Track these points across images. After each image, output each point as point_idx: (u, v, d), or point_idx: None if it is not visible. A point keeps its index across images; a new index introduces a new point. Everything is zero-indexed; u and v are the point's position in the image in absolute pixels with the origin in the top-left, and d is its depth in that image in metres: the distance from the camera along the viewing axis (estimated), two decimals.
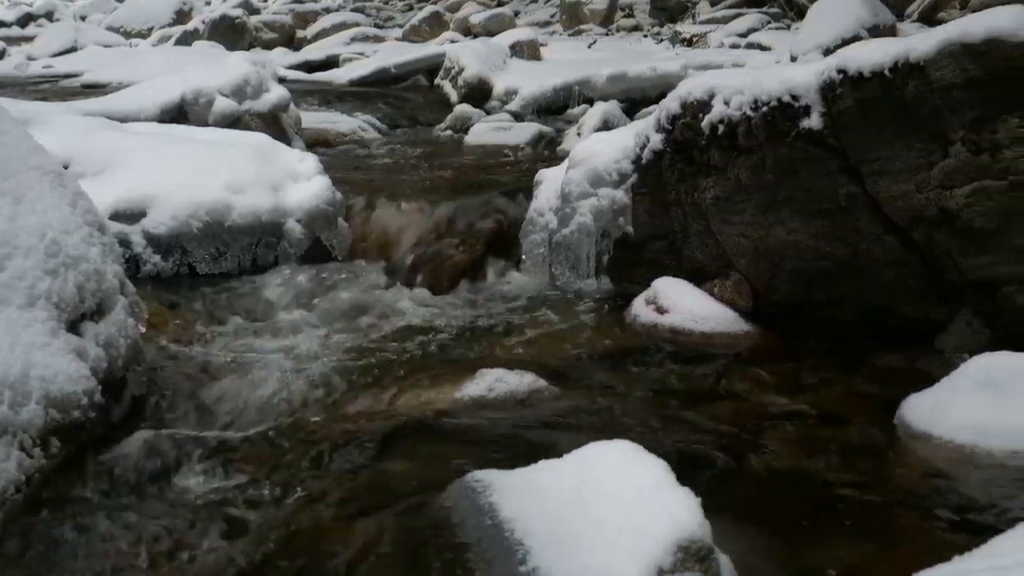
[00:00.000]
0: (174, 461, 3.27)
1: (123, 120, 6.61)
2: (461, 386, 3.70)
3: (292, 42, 17.83)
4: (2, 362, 2.95)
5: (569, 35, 16.44)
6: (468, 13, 17.28)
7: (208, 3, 21.69)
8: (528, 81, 10.34)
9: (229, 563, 2.72)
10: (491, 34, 14.34)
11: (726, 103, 4.45)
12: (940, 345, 4.05)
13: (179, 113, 7.24)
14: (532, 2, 20.25)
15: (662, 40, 13.96)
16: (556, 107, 10.03)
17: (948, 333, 4.04)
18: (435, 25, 16.64)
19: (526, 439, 3.39)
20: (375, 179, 6.77)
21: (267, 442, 3.41)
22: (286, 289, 5.07)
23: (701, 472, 3.09)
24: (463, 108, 9.52)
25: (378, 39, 16.41)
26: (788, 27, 13.08)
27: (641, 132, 4.99)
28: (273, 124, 7.36)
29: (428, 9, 17.81)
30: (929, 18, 10.91)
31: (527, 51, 12.49)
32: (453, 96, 10.43)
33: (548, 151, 7.75)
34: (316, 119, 8.80)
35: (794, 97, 4.20)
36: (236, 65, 7.55)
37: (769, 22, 13.77)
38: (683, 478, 2.51)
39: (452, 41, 13.99)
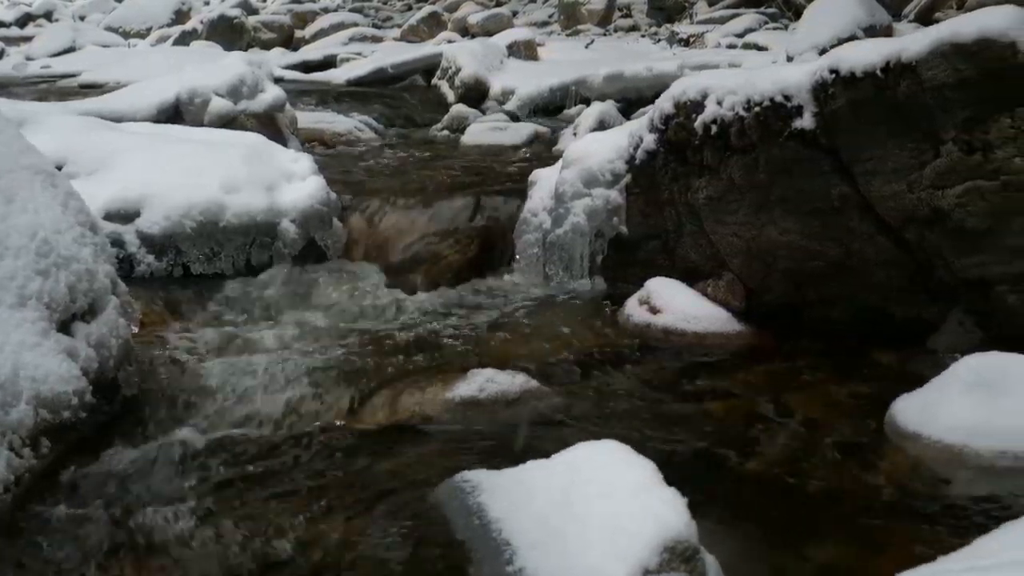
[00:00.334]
0: (165, 461, 3.27)
1: (118, 120, 6.61)
2: (452, 386, 3.70)
3: (291, 42, 17.82)
4: None
5: (567, 35, 16.43)
6: (466, 13, 17.26)
7: (207, 3, 21.69)
8: (525, 81, 10.32)
9: (219, 563, 2.73)
10: (489, 34, 14.33)
11: (719, 103, 4.45)
12: (932, 345, 4.05)
13: (175, 113, 7.23)
14: (530, 2, 20.23)
15: (659, 40, 13.96)
16: (553, 107, 10.01)
17: (940, 333, 4.04)
18: (433, 25, 16.62)
19: (516, 439, 3.39)
20: (370, 179, 6.76)
21: (258, 443, 3.42)
22: (280, 289, 5.06)
23: (690, 472, 3.09)
24: (459, 108, 9.51)
25: (376, 39, 16.41)
26: (785, 27, 13.07)
27: (635, 132, 4.99)
28: (269, 124, 7.35)
29: (426, 9, 17.79)
30: (926, 18, 10.91)
31: (524, 51, 12.48)
32: (450, 96, 10.42)
33: (544, 151, 7.74)
34: (312, 119, 8.79)
35: (787, 97, 4.20)
36: (232, 65, 7.55)
37: (766, 22, 13.76)
38: (672, 478, 2.52)
39: (449, 41, 13.98)
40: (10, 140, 3.70)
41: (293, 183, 5.67)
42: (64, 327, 3.36)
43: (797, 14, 12.56)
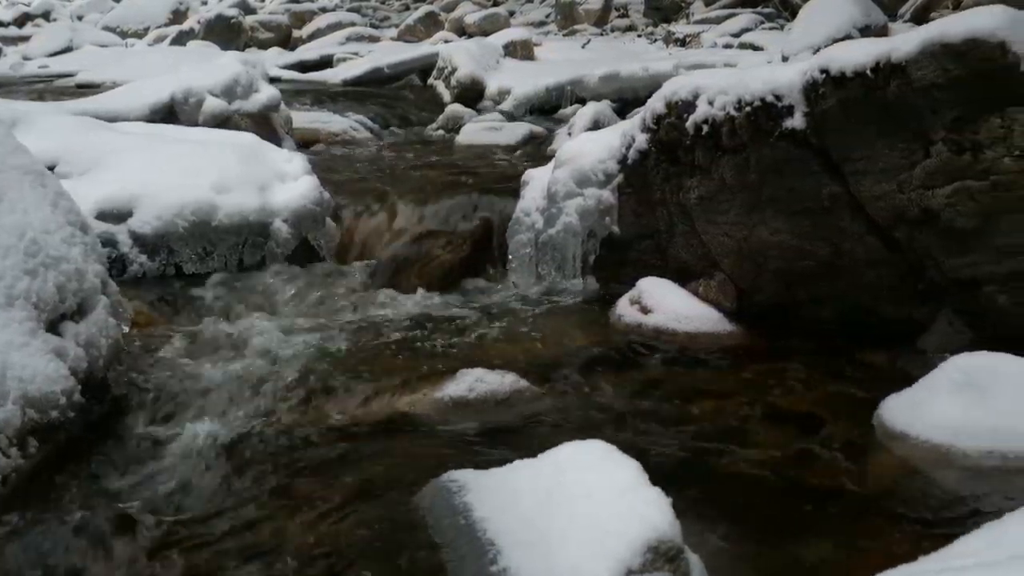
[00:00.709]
0: (154, 461, 3.28)
1: (112, 120, 6.61)
2: (441, 386, 3.71)
3: (288, 42, 17.83)
4: None
5: (564, 35, 16.44)
6: (463, 13, 17.27)
7: (204, 3, 21.70)
8: (521, 81, 10.34)
9: (207, 562, 2.73)
10: (486, 34, 14.34)
11: (710, 103, 4.45)
12: (922, 345, 4.05)
13: (169, 113, 7.24)
14: (527, 2, 20.25)
15: (655, 40, 13.96)
16: (549, 107, 10.03)
17: (930, 333, 4.04)
18: (430, 25, 16.63)
19: (505, 439, 3.39)
20: (364, 179, 6.77)
21: (248, 442, 3.42)
22: (272, 289, 5.07)
23: (677, 472, 3.09)
24: (455, 108, 9.52)
25: (373, 39, 16.42)
26: (781, 27, 13.08)
27: (627, 132, 4.99)
28: (263, 124, 7.36)
29: (423, 9, 17.81)
30: (921, 18, 10.91)
31: (521, 51, 12.50)
32: (446, 96, 10.43)
33: (539, 151, 7.75)
34: (308, 119, 8.79)
35: (777, 97, 4.20)
36: (226, 65, 7.56)
37: (762, 22, 13.77)
38: (658, 478, 2.52)
39: (446, 41, 13.99)
40: (0, 140, 3.70)
41: (286, 183, 5.68)
42: (53, 327, 3.35)
43: (794, 14, 12.55)
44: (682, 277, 4.72)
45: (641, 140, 4.84)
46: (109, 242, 4.99)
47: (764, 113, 4.24)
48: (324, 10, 19.80)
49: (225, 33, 16.97)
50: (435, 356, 4.20)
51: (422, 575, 2.55)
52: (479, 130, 8.55)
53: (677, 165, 4.69)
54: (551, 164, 5.35)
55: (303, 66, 13.45)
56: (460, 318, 4.71)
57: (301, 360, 4.13)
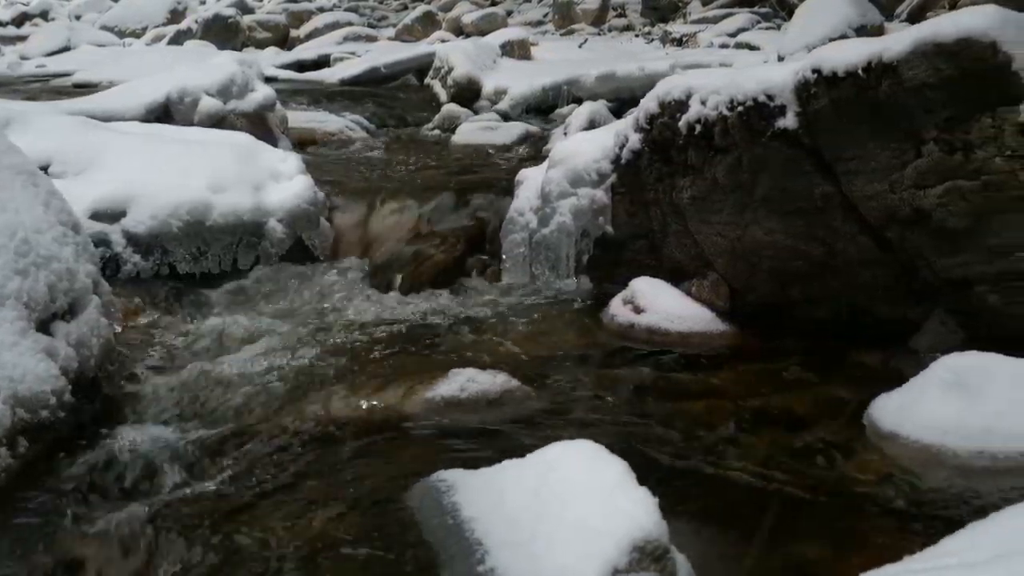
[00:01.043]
0: (144, 461, 3.27)
1: (107, 120, 6.60)
2: (433, 386, 3.71)
3: (286, 41, 17.82)
4: None
5: (561, 35, 16.44)
6: (461, 13, 17.27)
7: (203, 3, 21.69)
8: (518, 81, 10.32)
9: (195, 562, 2.73)
10: (483, 34, 14.34)
11: (703, 103, 4.45)
12: (915, 345, 4.05)
13: (164, 113, 7.22)
14: (525, 2, 20.25)
15: (652, 40, 13.96)
16: (545, 107, 10.00)
17: (922, 333, 4.04)
18: (428, 25, 16.63)
19: (496, 439, 3.39)
20: (360, 178, 6.77)
21: (238, 442, 3.42)
22: (265, 289, 5.08)
23: (666, 472, 3.10)
24: (451, 108, 9.51)
25: (370, 39, 16.41)
26: (778, 27, 13.08)
27: (620, 132, 4.99)
28: (259, 124, 7.35)
29: (421, 8, 17.80)
30: (918, 18, 10.90)
31: (518, 51, 12.49)
32: (443, 96, 10.42)
33: (534, 151, 7.75)
34: (304, 119, 8.78)
35: (769, 97, 4.20)
36: (222, 65, 7.54)
37: (759, 22, 13.77)
38: (647, 478, 2.52)
39: (443, 41, 13.98)
40: None
41: (280, 183, 5.68)
42: (43, 326, 3.36)
43: (790, 13, 12.55)
44: (676, 277, 4.72)
45: (634, 140, 4.85)
46: (103, 242, 4.99)
47: (756, 113, 4.24)
48: (322, 10, 19.78)
49: (223, 33, 16.95)
50: (427, 356, 4.21)
51: (410, 575, 2.55)
52: (475, 130, 8.55)
53: (670, 165, 4.69)
54: (545, 164, 5.35)
55: (300, 66, 13.44)
56: (453, 318, 4.71)
57: (293, 360, 4.13)
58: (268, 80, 9.14)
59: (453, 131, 8.73)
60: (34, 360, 3.19)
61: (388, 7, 21.81)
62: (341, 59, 13.32)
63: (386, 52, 12.94)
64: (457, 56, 10.65)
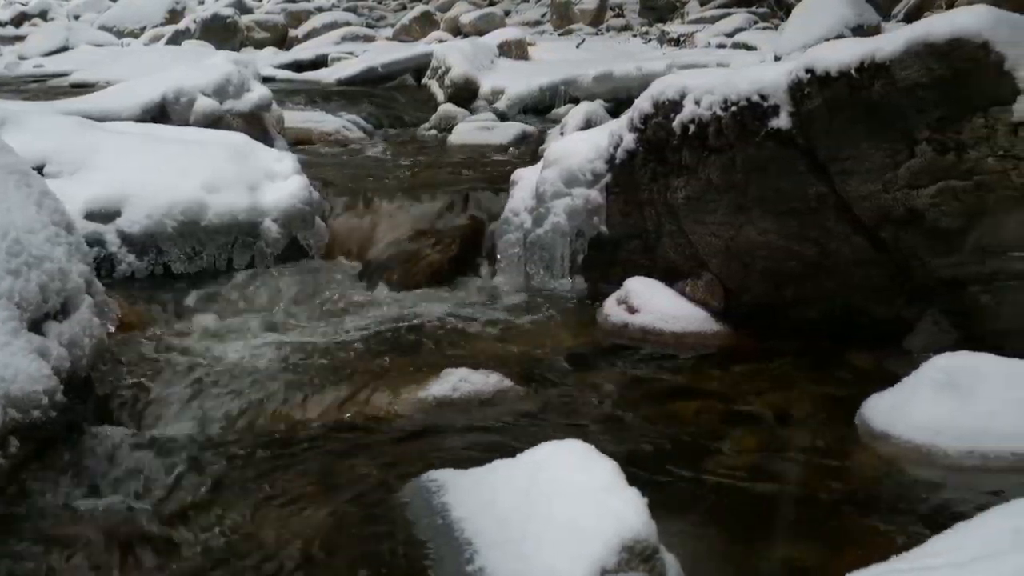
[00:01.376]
0: (136, 461, 3.27)
1: (103, 119, 6.60)
2: (425, 386, 3.71)
3: (284, 42, 17.81)
4: None
5: (559, 35, 16.44)
6: (459, 13, 17.26)
7: (201, 2, 21.68)
8: (515, 81, 10.32)
9: (185, 562, 2.73)
10: (481, 33, 14.33)
11: (697, 103, 4.46)
12: (908, 345, 4.06)
13: (160, 113, 7.22)
14: (523, 1, 20.25)
15: (650, 40, 13.96)
16: (542, 107, 10.01)
17: (915, 333, 4.05)
18: (426, 24, 16.62)
19: (488, 439, 3.40)
20: (355, 178, 6.76)
21: (231, 442, 3.42)
22: (260, 289, 5.07)
23: (657, 472, 3.10)
24: (447, 108, 9.51)
25: (368, 39, 16.39)
26: (775, 27, 13.07)
27: (615, 132, 4.99)
28: (255, 124, 7.35)
29: (419, 8, 17.79)
30: (915, 18, 10.88)
31: (515, 51, 12.49)
32: (440, 96, 10.42)
33: (531, 151, 7.74)
34: (300, 119, 8.78)
35: (763, 97, 4.20)
36: (218, 65, 7.54)
37: (756, 22, 13.78)
38: (638, 478, 2.53)
39: (440, 41, 13.97)
40: None
41: (276, 182, 5.68)
42: (35, 326, 3.34)
43: (788, 13, 12.55)
44: (670, 277, 4.72)
45: (629, 140, 4.85)
46: (98, 242, 4.99)
47: (750, 113, 4.25)
48: (320, 10, 19.76)
49: (221, 33, 16.95)
50: (421, 355, 4.21)
51: (400, 574, 2.55)
52: (472, 130, 8.55)
53: (664, 165, 4.69)
54: (540, 164, 5.35)
55: (298, 66, 13.42)
56: (447, 318, 4.71)
57: (287, 359, 4.13)
58: (266, 80, 9.15)
59: (450, 131, 8.73)
60: (26, 360, 3.18)
61: (387, 7, 21.81)
62: (339, 59, 13.31)
63: (383, 52, 12.93)
64: (454, 56, 10.65)
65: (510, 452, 2.75)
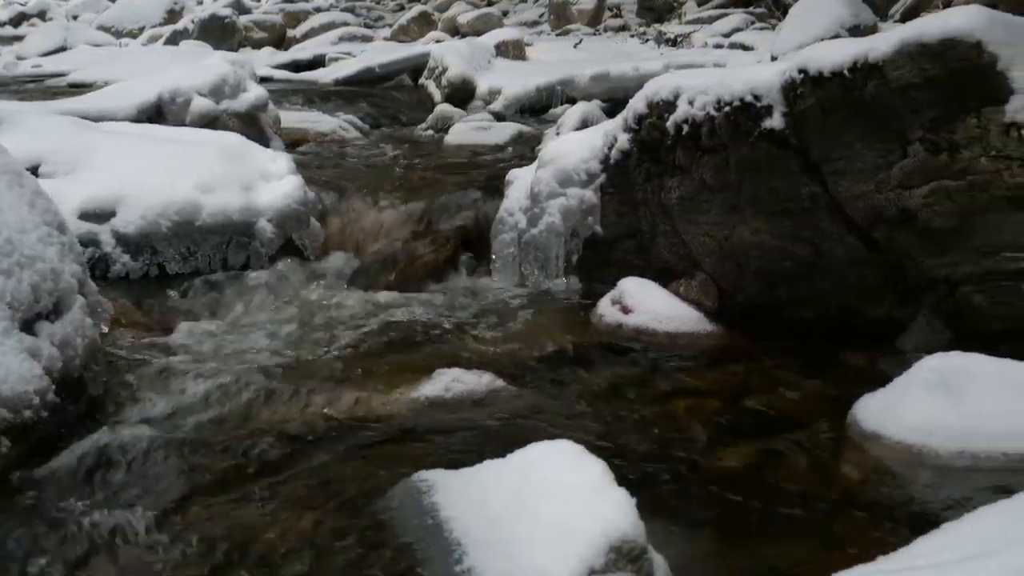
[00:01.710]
0: (127, 461, 3.26)
1: (100, 120, 6.60)
2: (418, 386, 3.71)
3: (283, 42, 17.82)
4: None
5: (557, 35, 16.44)
6: (457, 13, 17.27)
7: (200, 3, 21.68)
8: (512, 81, 10.33)
9: (177, 562, 2.72)
10: (479, 34, 14.33)
11: (690, 103, 4.46)
12: (901, 345, 4.05)
13: (157, 113, 7.22)
14: (521, 2, 20.25)
15: (647, 40, 13.97)
16: (539, 107, 10.03)
17: (909, 333, 4.05)
18: (424, 25, 16.62)
19: (480, 439, 3.39)
20: (351, 178, 6.75)
21: (222, 442, 3.41)
22: (254, 289, 5.07)
23: (648, 472, 3.09)
24: (444, 108, 9.51)
25: (366, 39, 16.40)
26: (773, 27, 13.07)
27: (609, 132, 4.99)
28: (251, 124, 7.35)
29: (417, 8, 17.79)
30: (911, 19, 10.89)
31: (512, 51, 12.49)
32: (437, 96, 10.43)
33: (527, 151, 7.73)
34: (297, 119, 8.78)
35: (756, 97, 4.20)
36: (214, 65, 7.55)
37: (753, 22, 13.78)
38: (629, 478, 2.54)
39: (438, 41, 13.97)
40: None
41: (271, 183, 5.68)
42: (27, 326, 3.35)
43: (786, 13, 12.56)
44: (664, 277, 4.72)
45: (623, 140, 4.85)
46: (92, 242, 5.00)
47: (743, 113, 4.25)
48: (319, 10, 19.77)
49: (219, 33, 16.96)
50: (414, 356, 4.20)
51: (390, 574, 2.55)
52: (468, 130, 8.54)
53: (658, 165, 4.69)
54: (534, 164, 5.35)
55: (296, 66, 13.43)
56: (442, 318, 4.70)
57: (280, 359, 4.13)
58: (263, 80, 9.17)
59: (446, 131, 8.73)
60: (17, 360, 3.18)
61: (385, 7, 21.81)
62: (336, 59, 13.32)
63: (381, 52, 12.93)
64: (451, 56, 10.66)
65: (502, 452, 2.74)
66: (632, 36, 15.09)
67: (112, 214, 5.15)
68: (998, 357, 3.28)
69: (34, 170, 5.19)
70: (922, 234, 3.88)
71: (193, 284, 5.11)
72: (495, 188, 5.77)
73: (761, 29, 13.21)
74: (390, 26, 17.98)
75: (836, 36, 8.25)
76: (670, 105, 4.58)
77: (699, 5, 16.36)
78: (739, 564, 2.58)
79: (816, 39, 8.23)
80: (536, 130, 8.65)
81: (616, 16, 17.46)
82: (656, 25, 15.47)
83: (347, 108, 9.76)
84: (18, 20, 22.89)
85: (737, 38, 12.53)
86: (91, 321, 3.72)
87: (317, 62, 13.61)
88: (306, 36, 17.41)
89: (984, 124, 3.67)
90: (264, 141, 7.05)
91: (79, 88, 10.16)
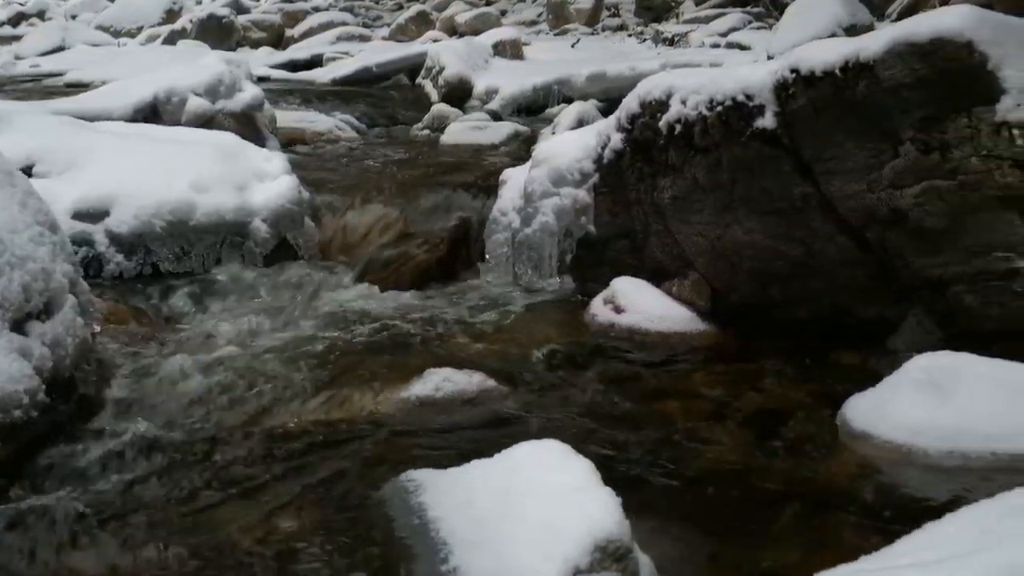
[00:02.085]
0: (118, 461, 3.27)
1: (95, 119, 6.60)
2: (408, 386, 3.71)
3: (281, 41, 17.83)
4: None
5: (555, 34, 16.45)
6: (455, 12, 17.27)
7: (199, 2, 21.69)
8: (509, 80, 10.33)
9: (166, 562, 2.73)
10: (477, 33, 14.34)
11: (683, 103, 4.45)
12: (892, 345, 4.05)
13: (152, 112, 7.22)
14: (519, 1, 20.26)
15: (645, 40, 13.97)
16: (536, 107, 10.03)
17: (900, 333, 4.04)
18: (422, 24, 16.62)
19: (470, 438, 3.40)
20: (346, 178, 6.77)
21: (213, 441, 3.42)
22: (248, 289, 5.08)
23: (637, 472, 3.10)
24: (440, 107, 9.51)
25: (364, 38, 16.41)
26: (770, 27, 13.07)
27: (603, 131, 4.99)
28: (247, 123, 7.35)
29: (415, 8, 17.78)
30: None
31: (510, 50, 12.50)
32: (434, 95, 10.43)
33: (523, 151, 7.73)
34: (293, 118, 8.78)
35: (748, 97, 4.20)
36: (210, 65, 7.55)
37: (751, 21, 13.79)
38: (617, 478, 2.53)
39: (435, 40, 13.97)
40: None
41: (265, 182, 5.68)
42: (17, 326, 3.35)
43: (783, 13, 12.55)
44: (657, 277, 4.72)
45: (616, 140, 4.85)
46: (86, 241, 5.00)
47: (735, 113, 4.25)
48: (317, 9, 19.77)
49: (217, 33, 16.97)
50: (406, 356, 4.20)
51: (376, 574, 2.55)
52: (464, 129, 8.54)
53: (651, 165, 4.69)
54: (528, 163, 5.35)
55: (293, 65, 13.44)
56: (434, 318, 4.70)
57: (271, 360, 4.13)
58: (260, 80, 9.17)
59: (442, 131, 8.72)
60: (7, 360, 3.18)
61: (383, 7, 21.81)
62: (334, 59, 13.32)
63: (378, 52, 12.95)
64: (448, 56, 10.66)
65: (492, 451, 2.74)
66: (630, 36, 15.09)
67: (106, 214, 5.15)
68: (989, 357, 3.28)
69: (28, 170, 5.19)
70: (914, 234, 3.88)
71: (187, 284, 5.11)
72: (490, 188, 5.78)
73: (758, 29, 13.21)
74: (388, 26, 17.98)
75: (833, 35, 8.25)
76: (663, 104, 4.58)
77: (697, 4, 16.37)
78: (725, 564, 2.58)
79: (812, 38, 8.20)
80: (532, 130, 8.64)
81: (614, 15, 17.46)
82: (654, 24, 15.47)
83: (344, 108, 9.77)
84: (17, 20, 22.91)
85: (734, 38, 12.52)
86: (82, 321, 3.72)
87: (315, 62, 13.62)
88: (304, 36, 17.41)
89: (975, 124, 3.66)
90: (260, 141, 7.05)
91: (76, 88, 10.16)
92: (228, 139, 6.05)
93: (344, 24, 17.63)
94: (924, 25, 3.68)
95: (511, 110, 9.87)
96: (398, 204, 5.86)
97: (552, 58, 12.51)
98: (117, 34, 19.66)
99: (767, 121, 4.15)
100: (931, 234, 3.84)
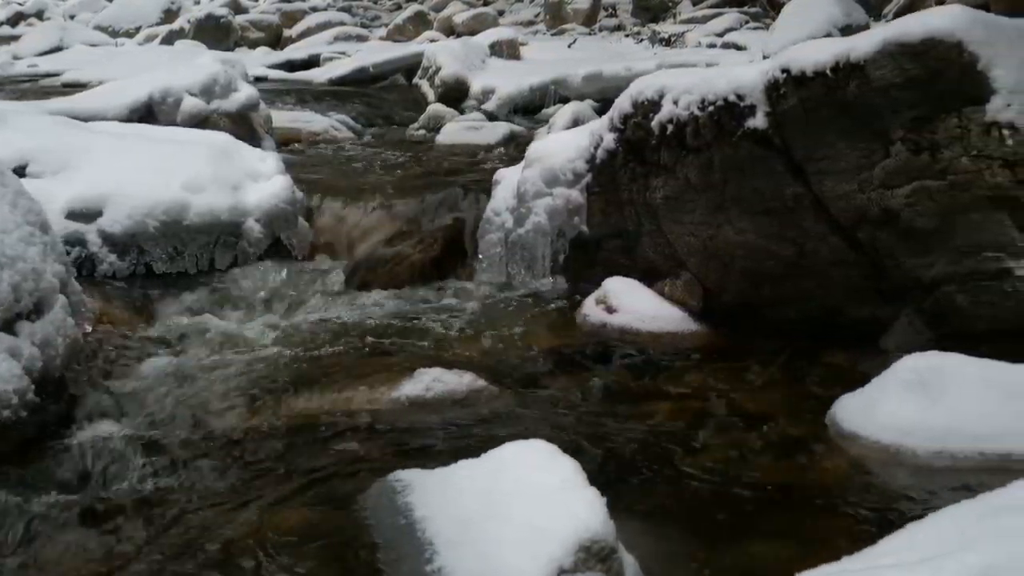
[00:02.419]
0: (107, 460, 3.28)
1: (90, 119, 6.60)
2: (399, 386, 3.71)
3: (279, 41, 17.83)
4: None
5: (552, 35, 16.45)
6: (452, 12, 17.27)
7: (197, 2, 21.68)
8: (505, 81, 10.33)
9: (154, 561, 2.73)
10: (474, 33, 14.34)
11: (675, 103, 4.45)
12: (884, 345, 4.04)
13: (147, 112, 7.21)
14: (517, 1, 20.26)
15: (642, 40, 13.97)
16: (533, 107, 10.03)
17: (891, 333, 4.04)
18: (419, 24, 16.61)
19: (459, 438, 3.40)
20: (341, 178, 6.77)
21: (203, 441, 3.43)
22: (241, 289, 5.08)
23: (624, 472, 3.10)
24: (437, 107, 9.52)
25: (361, 38, 16.41)
26: (766, 27, 13.07)
27: (596, 131, 4.99)
28: (242, 123, 7.35)
29: (412, 8, 17.77)
30: None
31: (507, 50, 12.49)
32: (430, 95, 10.43)
33: (519, 151, 7.73)
34: (289, 118, 8.79)
35: (740, 97, 4.20)
36: (205, 65, 7.54)
37: (747, 21, 13.79)
38: (603, 478, 2.54)
39: (433, 40, 13.97)
40: None
41: (259, 182, 5.69)
42: (7, 326, 3.35)
43: (780, 13, 12.55)
44: (650, 277, 4.71)
45: (609, 140, 4.85)
46: (79, 241, 5.01)
47: (727, 113, 4.25)
48: (315, 9, 19.76)
49: (215, 32, 16.97)
50: (399, 356, 4.20)
51: (362, 574, 2.55)
52: (460, 130, 8.54)
53: (644, 165, 4.69)
54: (522, 164, 5.35)
55: (291, 65, 13.45)
56: (427, 318, 4.71)
57: (264, 360, 4.14)
58: (258, 80, 9.18)
59: (438, 131, 8.73)
60: None
61: (381, 7, 21.81)
62: (331, 59, 13.32)
63: (375, 52, 12.95)
64: (445, 56, 10.66)
65: (480, 451, 2.74)
66: (627, 36, 15.09)
67: (99, 214, 5.15)
68: (979, 357, 3.28)
69: (22, 169, 5.20)
70: (904, 234, 3.88)
71: (180, 284, 5.11)
72: (484, 188, 5.77)
73: (755, 29, 13.21)
74: (386, 26, 17.98)
75: (828, 35, 8.25)
76: (655, 105, 4.58)
77: (694, 5, 16.37)
78: (711, 564, 2.57)
79: (808, 38, 8.22)
80: (528, 130, 8.65)
81: (611, 16, 17.46)
82: (651, 25, 15.47)
83: (340, 108, 9.78)
84: (16, 20, 22.88)
85: (730, 38, 12.52)
86: (73, 321, 3.73)
87: (312, 62, 13.62)
88: (302, 36, 17.40)
89: (965, 124, 3.66)
90: (255, 141, 7.05)
91: (73, 88, 10.15)
92: (222, 139, 6.05)
93: (342, 24, 17.63)
94: (915, 25, 3.68)
95: (507, 110, 9.87)
96: (392, 204, 5.86)
97: (549, 58, 12.51)
98: (115, 34, 19.65)
99: (758, 121, 4.15)
100: (922, 234, 3.84)
